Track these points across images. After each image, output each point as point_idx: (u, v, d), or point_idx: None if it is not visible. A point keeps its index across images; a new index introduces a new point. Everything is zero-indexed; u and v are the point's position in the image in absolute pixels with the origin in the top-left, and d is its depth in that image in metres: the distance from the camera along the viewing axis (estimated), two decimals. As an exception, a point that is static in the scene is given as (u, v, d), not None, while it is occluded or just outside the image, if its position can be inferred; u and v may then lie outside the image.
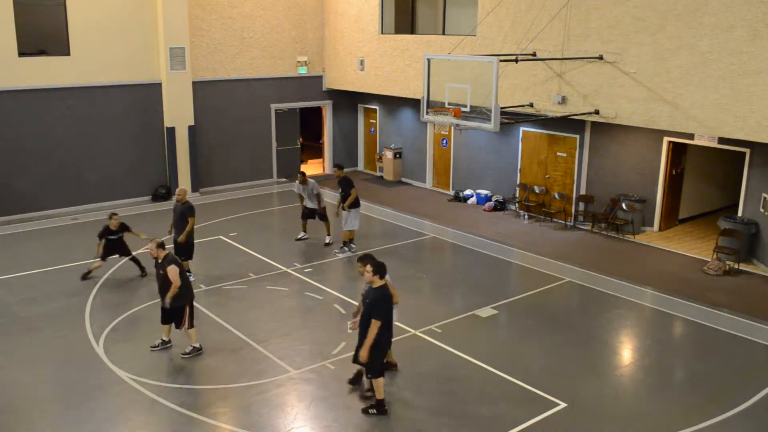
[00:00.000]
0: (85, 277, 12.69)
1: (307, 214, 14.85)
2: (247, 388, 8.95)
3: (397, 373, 9.19)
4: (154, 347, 9.97)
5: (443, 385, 9.03)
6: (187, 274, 12.24)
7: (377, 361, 8.22)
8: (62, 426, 8.14)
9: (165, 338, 10.00)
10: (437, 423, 8.20)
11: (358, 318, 8.52)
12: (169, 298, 9.44)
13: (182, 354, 9.72)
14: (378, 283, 8.07)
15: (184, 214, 12.12)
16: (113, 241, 12.62)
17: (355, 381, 8.96)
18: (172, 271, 9.41)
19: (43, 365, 9.51)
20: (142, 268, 12.93)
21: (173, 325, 9.80)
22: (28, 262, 13.51)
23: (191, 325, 9.74)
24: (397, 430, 8.13)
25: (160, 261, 9.58)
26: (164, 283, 9.55)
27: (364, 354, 8.07)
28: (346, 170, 22.19)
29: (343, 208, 13.92)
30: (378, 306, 7.99)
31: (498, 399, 8.72)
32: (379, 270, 8.06)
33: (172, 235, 12.35)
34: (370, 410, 8.37)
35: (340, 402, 8.62)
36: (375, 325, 7.96)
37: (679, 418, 8.29)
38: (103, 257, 12.62)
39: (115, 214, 12.68)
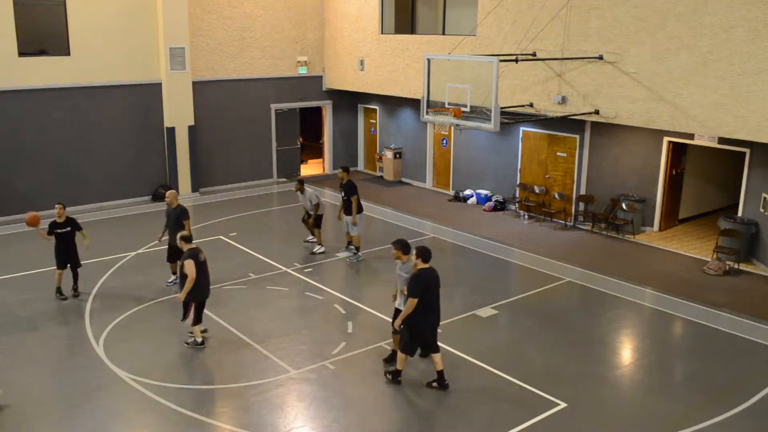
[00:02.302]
0: (62, 295, 11.69)
1: (307, 219, 14.46)
2: (247, 388, 8.95)
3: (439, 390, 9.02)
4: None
5: (443, 385, 9.04)
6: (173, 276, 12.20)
7: (405, 337, 8.78)
8: (62, 426, 8.13)
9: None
10: (437, 423, 8.20)
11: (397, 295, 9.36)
12: (184, 292, 9.50)
13: (185, 342, 9.86)
14: (421, 265, 8.62)
15: (180, 218, 11.80)
16: (63, 237, 11.37)
17: (390, 359, 9.52)
18: (188, 265, 9.48)
19: (43, 365, 9.51)
20: (75, 288, 11.83)
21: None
22: (28, 262, 13.50)
23: (197, 322, 9.79)
24: (398, 430, 8.14)
25: (183, 253, 9.74)
26: (182, 276, 9.64)
27: (396, 323, 8.74)
28: (346, 170, 22.35)
29: (339, 217, 13.88)
30: (411, 284, 8.57)
31: (498, 399, 8.72)
32: (421, 254, 8.64)
33: (165, 239, 12.11)
34: (387, 375, 9.11)
35: (340, 402, 8.63)
36: (411, 302, 8.51)
37: (679, 418, 8.29)
38: (58, 264, 11.49)
39: (61, 204, 11.51)
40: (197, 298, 9.71)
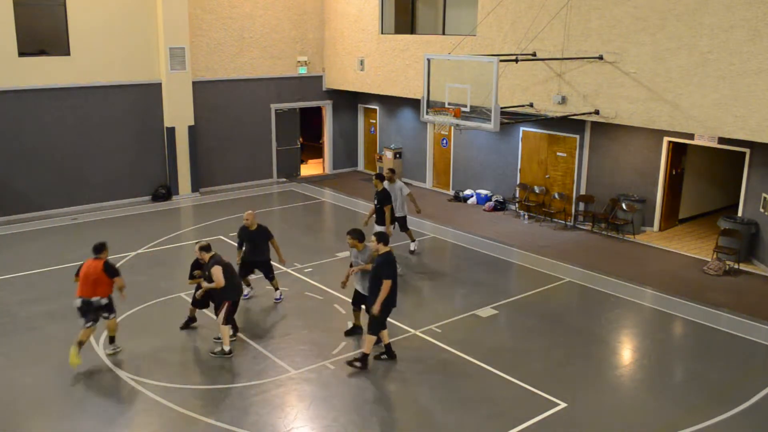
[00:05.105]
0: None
1: (402, 223, 13.84)
2: (247, 388, 8.95)
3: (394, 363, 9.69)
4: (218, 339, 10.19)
5: (443, 385, 9.04)
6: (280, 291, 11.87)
7: (381, 318, 9.29)
8: (62, 426, 8.13)
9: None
10: (437, 423, 8.20)
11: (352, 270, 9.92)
12: (203, 290, 9.81)
13: (211, 352, 9.79)
14: (383, 249, 9.21)
15: (265, 238, 11.33)
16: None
17: (350, 333, 10.30)
18: (216, 271, 9.56)
19: (43, 365, 9.51)
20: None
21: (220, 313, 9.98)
22: (28, 262, 13.51)
23: (226, 322, 9.75)
24: (397, 430, 8.14)
25: (206, 263, 9.72)
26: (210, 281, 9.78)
27: (376, 308, 9.13)
28: (345, 170, 22.38)
29: (366, 224, 13.43)
30: (385, 268, 9.15)
31: (498, 399, 8.73)
32: (382, 239, 9.29)
33: (242, 257, 11.45)
34: (354, 362, 9.34)
35: (340, 402, 8.63)
36: (387, 284, 9.07)
37: (679, 418, 8.30)
38: (242, 273, 11.08)
39: (250, 212, 11.24)
40: (231, 297, 9.75)
